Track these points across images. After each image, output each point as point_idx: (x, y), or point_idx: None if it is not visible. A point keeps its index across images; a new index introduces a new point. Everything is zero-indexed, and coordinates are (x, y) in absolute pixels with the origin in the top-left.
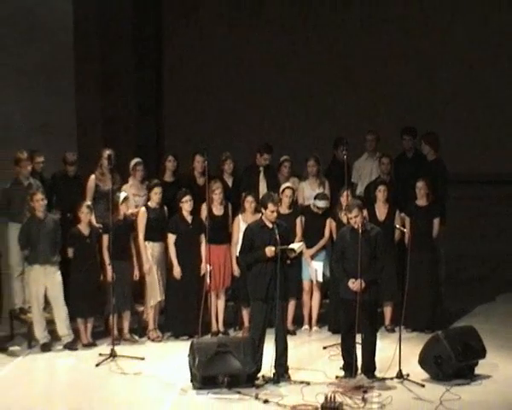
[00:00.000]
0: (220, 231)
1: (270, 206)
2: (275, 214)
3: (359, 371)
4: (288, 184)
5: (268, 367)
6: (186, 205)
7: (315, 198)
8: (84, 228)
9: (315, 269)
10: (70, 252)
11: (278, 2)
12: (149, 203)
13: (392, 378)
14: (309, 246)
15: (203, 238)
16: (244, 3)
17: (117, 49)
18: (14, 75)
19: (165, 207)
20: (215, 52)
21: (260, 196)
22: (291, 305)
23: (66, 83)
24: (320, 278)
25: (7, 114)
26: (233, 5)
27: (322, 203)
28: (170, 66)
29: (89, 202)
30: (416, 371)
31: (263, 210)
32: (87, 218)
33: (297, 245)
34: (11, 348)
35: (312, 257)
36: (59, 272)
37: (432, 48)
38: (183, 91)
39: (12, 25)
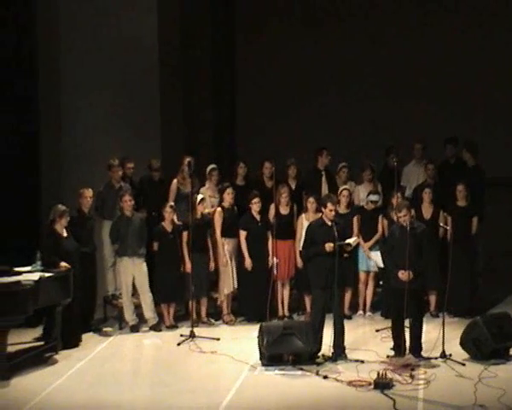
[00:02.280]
0: (286, 229)
1: (330, 205)
2: (333, 213)
3: (407, 351)
4: (345, 186)
5: (327, 347)
6: (255, 205)
7: (368, 194)
8: (167, 225)
9: (374, 259)
10: (155, 246)
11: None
12: (223, 204)
13: (436, 358)
14: (365, 240)
15: (270, 235)
16: (311, 18)
17: (195, 50)
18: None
19: (236, 208)
20: (284, 65)
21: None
22: (347, 293)
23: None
24: (381, 264)
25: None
26: (301, 19)
27: (374, 197)
28: (243, 79)
29: (172, 203)
30: (458, 352)
31: (323, 209)
32: (170, 216)
33: (352, 240)
34: (105, 329)
35: (370, 249)
36: (145, 264)
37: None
38: (256, 108)
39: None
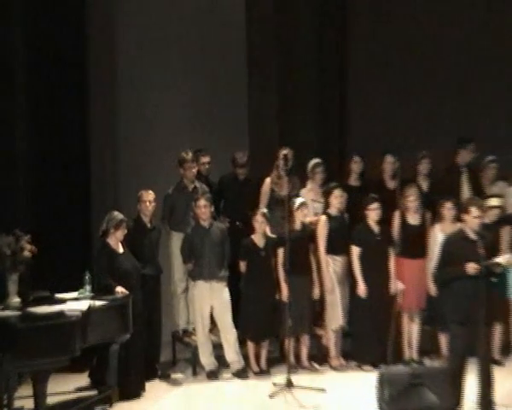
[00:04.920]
0: (414, 244)
1: (474, 211)
2: (478, 221)
3: None
4: (493, 188)
5: (470, 403)
6: (373, 213)
7: None
8: (258, 239)
9: None
10: (242, 266)
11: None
12: (330, 210)
13: None
14: None
15: (393, 252)
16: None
17: (296, 34)
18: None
19: (347, 216)
20: (401, 44)
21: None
22: (497, 330)
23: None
24: None
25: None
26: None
27: None
28: (354, 53)
29: (264, 210)
30: None
31: (464, 217)
32: (262, 227)
33: (504, 258)
34: (174, 376)
35: None
36: (227, 289)
37: None
38: (372, 86)
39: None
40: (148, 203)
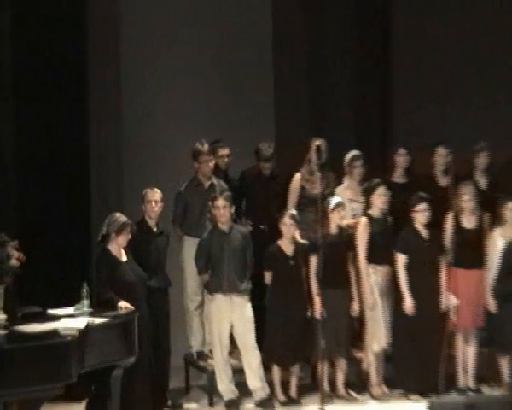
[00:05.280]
0: (471, 251)
1: None
2: None
3: None
4: None
5: None
6: (421, 216)
7: None
8: (286, 245)
9: None
10: (267, 277)
11: None
12: (370, 211)
13: None
14: None
15: (445, 260)
16: None
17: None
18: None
19: (390, 218)
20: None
21: None
22: None
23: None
24: None
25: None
26: None
27: None
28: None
29: (293, 211)
30: None
31: None
32: (290, 231)
33: None
34: (187, 406)
35: None
36: (249, 305)
37: None
38: (418, 68)
39: None
40: (153, 204)
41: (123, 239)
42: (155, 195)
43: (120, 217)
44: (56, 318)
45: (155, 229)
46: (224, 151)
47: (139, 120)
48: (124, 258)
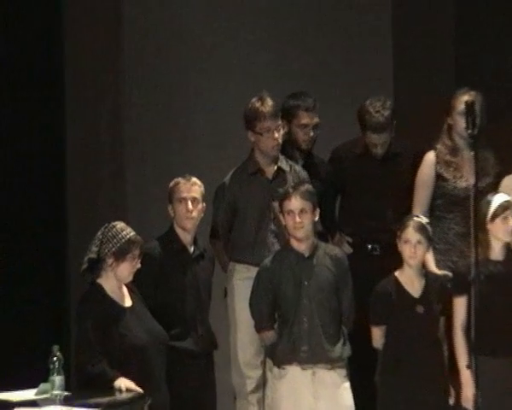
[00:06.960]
0: None
1: None
2: None
3: None
4: None
5: None
6: None
7: None
8: (410, 279)
9: None
10: (375, 334)
11: None
12: None
13: None
14: None
15: None
16: None
17: None
18: None
19: None
20: None
21: None
22: None
23: None
24: None
25: None
26: None
27: None
28: None
29: (424, 218)
30: None
31: None
32: (419, 254)
33: None
34: None
35: None
36: (347, 385)
37: None
38: None
39: None
40: (189, 204)
41: (127, 269)
42: (192, 188)
43: (124, 230)
44: (7, 406)
45: (192, 248)
46: (311, 119)
47: (151, 83)
48: (127, 302)
